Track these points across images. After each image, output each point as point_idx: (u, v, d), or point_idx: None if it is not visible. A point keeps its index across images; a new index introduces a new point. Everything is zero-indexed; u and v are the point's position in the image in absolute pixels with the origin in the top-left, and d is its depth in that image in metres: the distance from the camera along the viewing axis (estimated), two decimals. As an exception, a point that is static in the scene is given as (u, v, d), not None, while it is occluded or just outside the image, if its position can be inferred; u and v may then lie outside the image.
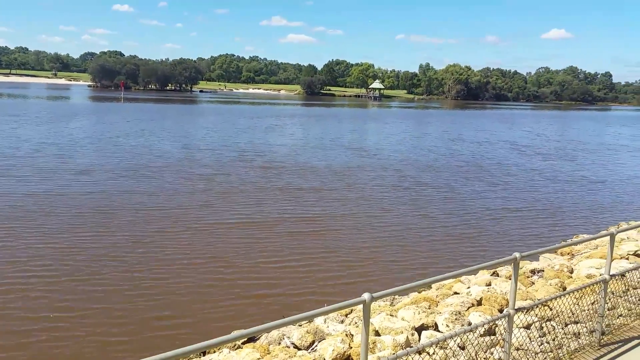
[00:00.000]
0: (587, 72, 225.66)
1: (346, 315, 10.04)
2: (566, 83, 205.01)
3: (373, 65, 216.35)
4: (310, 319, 9.54)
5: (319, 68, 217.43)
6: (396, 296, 11.19)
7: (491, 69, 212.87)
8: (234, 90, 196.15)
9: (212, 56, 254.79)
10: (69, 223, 16.95)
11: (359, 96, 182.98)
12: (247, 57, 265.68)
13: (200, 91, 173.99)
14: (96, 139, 39.39)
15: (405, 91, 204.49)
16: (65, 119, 54.85)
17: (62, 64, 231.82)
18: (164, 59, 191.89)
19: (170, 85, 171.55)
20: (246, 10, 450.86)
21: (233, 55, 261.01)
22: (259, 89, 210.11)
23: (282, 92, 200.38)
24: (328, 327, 9.16)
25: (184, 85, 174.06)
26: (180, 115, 71.74)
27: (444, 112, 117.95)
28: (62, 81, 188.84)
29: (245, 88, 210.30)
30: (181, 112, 79.62)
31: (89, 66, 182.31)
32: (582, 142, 55.90)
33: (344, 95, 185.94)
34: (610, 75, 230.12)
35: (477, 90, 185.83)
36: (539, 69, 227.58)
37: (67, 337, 9.94)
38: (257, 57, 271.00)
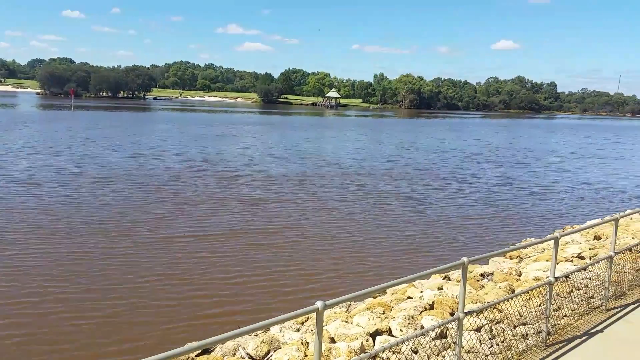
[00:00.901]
0: (533, 81, 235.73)
1: (302, 324, 10.00)
2: (514, 92, 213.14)
3: (329, 75, 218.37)
4: (265, 329, 9.46)
5: (276, 76, 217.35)
6: (352, 302, 11.25)
7: (442, 79, 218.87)
8: (190, 98, 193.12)
9: (166, 63, 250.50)
10: (4, 241, 15.84)
11: (315, 105, 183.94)
12: (202, 65, 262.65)
13: (154, 99, 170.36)
14: (41, 148, 37.76)
15: (361, 100, 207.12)
16: (9, 127, 52.49)
17: (7, 71, 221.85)
18: (116, 66, 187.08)
19: (122, 92, 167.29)
20: (201, 18, 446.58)
21: (188, 62, 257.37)
22: (215, 96, 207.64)
23: (239, 100, 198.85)
24: (284, 336, 9.09)
25: (137, 93, 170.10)
26: (132, 123, 70.01)
27: (398, 121, 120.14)
28: (9, 88, 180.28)
29: (201, 96, 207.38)
30: (133, 120, 77.72)
31: (38, 73, 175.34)
32: (531, 149, 58.11)
33: (301, 104, 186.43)
34: (555, 85, 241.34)
35: (429, 100, 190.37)
36: (489, 78, 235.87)
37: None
38: (213, 64, 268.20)
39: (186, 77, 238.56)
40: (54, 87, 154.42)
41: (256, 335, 9.27)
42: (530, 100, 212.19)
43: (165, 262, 14.79)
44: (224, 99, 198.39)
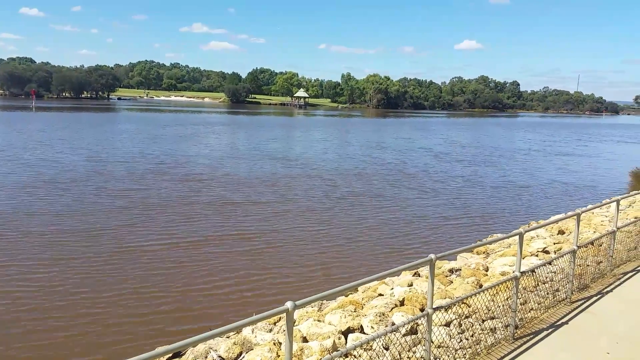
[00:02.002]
0: (497, 81, 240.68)
1: (274, 324, 9.94)
2: (478, 91, 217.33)
3: (297, 74, 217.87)
4: (237, 330, 9.35)
5: (243, 76, 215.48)
6: (324, 301, 11.24)
7: (409, 78, 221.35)
8: (155, 98, 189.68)
9: (130, 63, 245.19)
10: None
11: (284, 104, 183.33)
12: (168, 64, 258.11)
13: (119, 99, 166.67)
14: (-1, 150, 36.48)
15: (329, 100, 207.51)
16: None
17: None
18: (79, 66, 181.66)
19: (85, 93, 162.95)
20: (165, 17, 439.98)
21: (153, 61, 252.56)
22: (181, 96, 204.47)
23: (206, 99, 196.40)
24: (256, 337, 9.01)
25: (100, 93, 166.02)
26: (95, 124, 68.25)
27: (366, 120, 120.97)
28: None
29: (167, 95, 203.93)
30: (96, 121, 75.79)
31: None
32: (496, 148, 59.39)
33: (270, 104, 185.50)
34: (518, 84, 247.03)
35: (396, 100, 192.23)
36: (453, 78, 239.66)
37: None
38: (179, 64, 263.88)
39: (151, 76, 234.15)
40: (13, 88, 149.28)
41: (228, 337, 9.16)
42: (493, 100, 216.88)
43: (133, 271, 14.39)
44: (191, 99, 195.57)
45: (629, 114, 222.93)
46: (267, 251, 16.65)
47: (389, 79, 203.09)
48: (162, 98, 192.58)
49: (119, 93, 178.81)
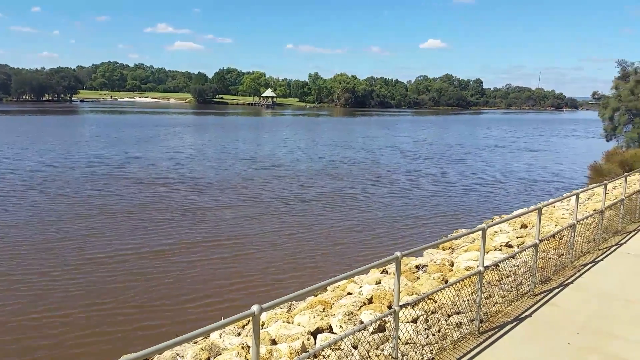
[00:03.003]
0: (460, 79, 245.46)
1: (243, 327, 9.85)
2: (443, 90, 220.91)
3: (265, 74, 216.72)
4: (205, 336, 9.22)
5: (210, 76, 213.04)
6: (293, 302, 11.20)
7: (375, 77, 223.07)
8: (119, 100, 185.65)
9: (93, 64, 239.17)
10: None
11: (252, 104, 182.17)
12: (132, 65, 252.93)
13: (81, 101, 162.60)
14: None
15: (297, 99, 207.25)
16: None
17: None
18: (39, 68, 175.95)
19: (47, 95, 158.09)
20: (128, 17, 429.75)
21: (116, 63, 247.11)
22: (146, 97, 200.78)
23: (172, 100, 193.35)
24: (224, 341, 8.92)
25: (62, 96, 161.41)
26: (56, 127, 66.32)
27: (334, 119, 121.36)
28: None
29: (131, 97, 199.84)
30: (57, 123, 73.65)
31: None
32: (462, 145, 60.47)
33: (237, 104, 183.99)
34: (481, 82, 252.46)
35: (363, 98, 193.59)
36: (419, 77, 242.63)
37: None
38: (143, 64, 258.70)
39: (115, 77, 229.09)
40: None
41: (195, 343, 9.04)
42: (458, 97, 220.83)
43: (97, 281, 13.99)
44: (156, 100, 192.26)
45: (587, 109, 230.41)
46: (237, 256, 16.46)
47: (356, 78, 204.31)
48: (126, 99, 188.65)
49: (81, 95, 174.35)
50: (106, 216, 20.70)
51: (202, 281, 14.14)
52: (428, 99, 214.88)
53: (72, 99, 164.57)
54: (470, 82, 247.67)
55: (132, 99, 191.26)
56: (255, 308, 4.23)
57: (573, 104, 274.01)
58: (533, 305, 8.60)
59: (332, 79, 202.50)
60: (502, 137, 74.35)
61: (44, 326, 11.18)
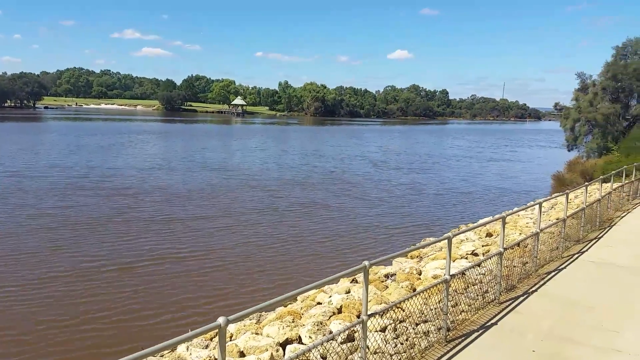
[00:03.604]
0: (427, 89, 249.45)
1: (211, 339, 9.69)
2: (410, 100, 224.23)
3: (234, 82, 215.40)
4: (172, 348, 9.02)
5: (178, 83, 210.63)
6: (262, 313, 11.09)
7: (345, 87, 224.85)
8: (85, 106, 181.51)
9: (58, 70, 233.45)
10: None
11: (221, 112, 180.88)
12: (98, 71, 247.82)
13: (45, 107, 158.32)
14: None
15: (267, 108, 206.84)
16: None
17: None
18: (1, 73, 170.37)
19: (9, 102, 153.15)
20: (95, 22, 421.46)
21: (82, 68, 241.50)
22: (112, 104, 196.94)
23: (139, 107, 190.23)
24: (191, 354, 8.75)
25: (25, 102, 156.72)
26: (16, 134, 64.24)
27: (304, 128, 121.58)
28: None
29: (97, 103, 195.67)
30: (18, 130, 71.40)
31: None
32: (430, 155, 61.40)
33: (206, 112, 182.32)
34: (447, 93, 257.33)
35: (333, 107, 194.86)
36: (387, 87, 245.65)
37: None
38: (110, 70, 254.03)
39: (80, 84, 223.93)
40: None
41: (162, 357, 8.85)
42: (425, 108, 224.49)
43: (61, 296, 13.48)
44: (122, 107, 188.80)
45: (550, 120, 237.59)
46: (207, 268, 16.16)
47: (325, 87, 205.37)
48: (92, 106, 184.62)
49: (45, 102, 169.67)
50: (69, 228, 19.93)
51: (171, 294, 13.84)
52: (396, 108, 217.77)
53: (36, 105, 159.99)
54: (437, 93, 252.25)
55: (98, 106, 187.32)
56: (221, 320, 4.16)
57: (536, 115, 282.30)
58: (499, 313, 8.73)
59: (302, 88, 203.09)
60: (468, 147, 75.85)
61: None
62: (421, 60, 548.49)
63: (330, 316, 9.59)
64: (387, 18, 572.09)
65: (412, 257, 14.47)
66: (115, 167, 37.60)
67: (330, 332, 8.35)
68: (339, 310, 9.85)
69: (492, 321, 8.35)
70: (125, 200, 25.60)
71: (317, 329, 8.64)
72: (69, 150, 46.78)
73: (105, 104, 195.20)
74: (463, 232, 8.58)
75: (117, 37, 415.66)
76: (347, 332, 7.09)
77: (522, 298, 9.45)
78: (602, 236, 14.69)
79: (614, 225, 16.28)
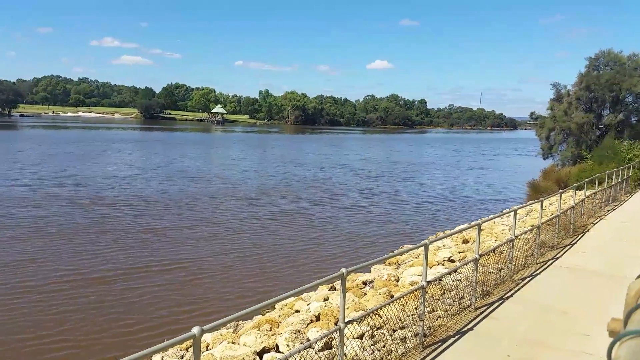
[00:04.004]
0: (406, 99, 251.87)
1: (187, 349, 9.58)
2: (389, 109, 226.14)
3: (214, 90, 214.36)
4: (146, 359, 8.90)
5: (158, 91, 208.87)
6: (240, 322, 11.01)
7: (325, 96, 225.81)
8: (62, 114, 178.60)
9: (35, 77, 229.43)
10: None
11: (201, 120, 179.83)
12: (76, 79, 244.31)
13: (21, 115, 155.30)
14: None
15: (248, 116, 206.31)
16: None
17: None
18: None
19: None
20: (73, 30, 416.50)
21: (60, 76, 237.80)
22: (90, 112, 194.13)
23: (117, 115, 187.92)
24: (166, 364, 8.63)
25: (0, 110, 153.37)
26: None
27: (285, 136, 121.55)
28: None
29: (74, 111, 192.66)
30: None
31: None
32: (410, 163, 61.90)
33: (186, 120, 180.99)
34: (426, 102, 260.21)
35: (313, 116, 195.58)
36: (366, 96, 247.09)
37: None
38: (88, 78, 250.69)
39: (58, 92, 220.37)
40: None
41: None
42: (404, 117, 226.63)
43: (32, 311, 13.09)
44: (100, 115, 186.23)
45: (526, 129, 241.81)
46: (185, 278, 15.88)
47: (306, 96, 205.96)
48: (69, 114, 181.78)
49: (21, 109, 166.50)
50: (43, 239, 19.33)
51: (149, 305, 13.63)
52: (376, 117, 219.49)
53: (11, 113, 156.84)
54: (415, 102, 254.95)
55: (75, 114, 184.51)
56: (195, 330, 4.12)
57: (512, 124, 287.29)
58: (475, 318, 8.82)
59: (283, 97, 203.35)
60: (446, 156, 76.73)
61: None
62: (400, 70, 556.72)
63: (308, 324, 9.56)
64: (367, 28, 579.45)
65: (390, 264, 14.54)
66: (91, 175, 36.74)
67: (308, 340, 8.32)
68: (317, 318, 9.83)
69: (468, 327, 8.43)
70: (102, 210, 25.03)
71: (295, 337, 8.61)
72: (43, 159, 45.76)
73: (83, 112, 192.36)
74: (440, 239, 8.67)
75: (96, 45, 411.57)
76: (324, 339, 7.07)
77: (497, 304, 9.57)
78: (575, 242, 14.99)
79: (587, 231, 16.63)
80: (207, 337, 9.79)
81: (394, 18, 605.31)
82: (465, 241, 15.92)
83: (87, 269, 16.22)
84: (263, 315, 11.21)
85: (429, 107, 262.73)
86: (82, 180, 34.33)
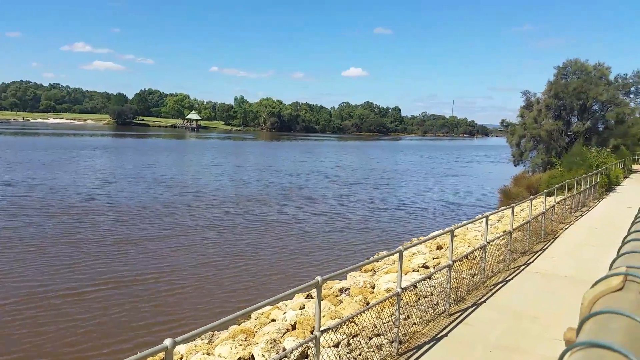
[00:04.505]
0: (380, 106, 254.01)
1: (160, 361, 9.40)
2: (364, 116, 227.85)
3: (189, 96, 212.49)
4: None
5: (130, 97, 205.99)
6: (215, 332, 10.87)
7: (300, 103, 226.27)
8: (32, 121, 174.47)
9: (3, 83, 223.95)
10: None
11: (175, 127, 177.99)
12: (46, 85, 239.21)
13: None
14: None
15: (223, 122, 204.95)
16: None
17: None
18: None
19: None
20: (43, 34, 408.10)
21: (29, 82, 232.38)
22: (61, 118, 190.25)
23: (89, 122, 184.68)
24: (139, 376, 8.43)
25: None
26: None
27: (260, 143, 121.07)
28: None
29: (45, 118, 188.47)
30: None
31: None
32: (386, 170, 62.32)
33: (160, 126, 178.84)
34: (400, 110, 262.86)
35: (289, 123, 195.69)
36: (342, 103, 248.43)
37: None
38: (59, 84, 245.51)
39: (27, 97, 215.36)
40: None
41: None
42: (378, 124, 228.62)
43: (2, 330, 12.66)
44: (72, 121, 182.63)
45: (497, 136, 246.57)
46: (160, 290, 15.54)
47: (281, 102, 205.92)
48: (40, 120, 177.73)
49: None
50: (9, 251, 18.64)
51: (122, 318, 13.31)
52: (351, 124, 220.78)
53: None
54: (390, 110, 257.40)
55: (46, 120, 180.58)
56: (167, 342, 4.04)
57: (484, 131, 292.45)
58: (449, 324, 8.90)
59: (258, 103, 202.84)
60: (421, 163, 77.58)
61: None
62: (375, 77, 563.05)
63: (285, 333, 9.51)
64: (341, 36, 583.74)
65: (366, 271, 14.58)
66: (60, 184, 35.64)
67: (284, 350, 8.27)
68: (294, 327, 9.78)
69: (443, 333, 8.51)
70: (72, 220, 24.25)
71: (271, 347, 8.55)
72: (8, 167, 44.34)
73: (54, 118, 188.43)
74: (414, 245, 8.75)
75: (67, 50, 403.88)
76: (300, 349, 7.04)
77: (471, 309, 9.69)
78: (546, 248, 15.30)
79: (558, 237, 16.99)
80: (181, 349, 9.64)
81: (368, 26, 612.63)
82: (440, 247, 16.09)
83: (57, 282, 15.73)
84: (239, 325, 11.09)
85: (403, 114, 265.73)
86: (51, 189, 33.35)
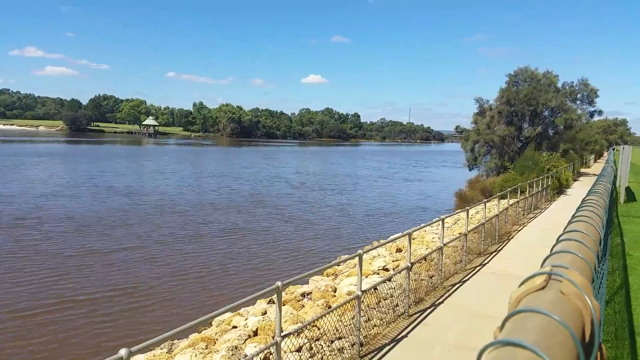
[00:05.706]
0: (340, 113, 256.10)
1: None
2: (324, 122, 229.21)
3: (145, 102, 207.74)
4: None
5: (85, 103, 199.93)
6: (175, 341, 10.69)
7: (260, 109, 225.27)
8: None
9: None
10: None
11: (132, 133, 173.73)
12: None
13: None
14: None
15: (182, 128, 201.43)
16: None
17: None
18: None
19: None
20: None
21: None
22: (12, 124, 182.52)
23: (41, 128, 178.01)
24: (95, 389, 8.21)
25: None
26: None
27: (220, 149, 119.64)
28: None
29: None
30: None
31: None
32: (348, 175, 62.73)
33: (115, 132, 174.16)
34: (359, 116, 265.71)
35: (250, 129, 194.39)
36: (302, 109, 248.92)
37: None
38: (9, 90, 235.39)
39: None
40: None
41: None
42: (338, 130, 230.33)
43: None
44: (23, 128, 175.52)
45: (452, 142, 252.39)
46: (119, 304, 14.98)
47: (241, 108, 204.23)
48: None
49: None
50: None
51: (76, 336, 12.87)
52: (311, 130, 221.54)
53: None
54: (349, 116, 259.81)
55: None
56: (123, 352, 3.98)
57: (440, 137, 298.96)
58: (409, 325, 9.08)
59: (218, 109, 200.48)
60: (381, 168, 78.54)
61: None
62: (334, 84, 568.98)
63: (246, 339, 9.46)
64: (299, 44, 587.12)
65: (328, 275, 14.66)
66: (8, 194, 33.94)
67: (245, 357, 8.23)
68: (255, 333, 9.74)
69: (403, 334, 8.67)
70: (22, 233, 23.05)
71: (232, 354, 8.49)
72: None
73: (4, 125, 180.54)
74: (374, 248, 8.89)
75: (17, 55, 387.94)
76: (261, 354, 7.02)
77: (429, 310, 9.91)
78: (501, 249, 15.81)
79: (512, 238, 17.58)
80: (140, 359, 9.43)
81: (326, 34, 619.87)
82: (399, 250, 16.36)
83: (6, 301, 14.95)
84: (199, 333, 10.95)
85: (362, 120, 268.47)
86: (7, 195, 31.97)
